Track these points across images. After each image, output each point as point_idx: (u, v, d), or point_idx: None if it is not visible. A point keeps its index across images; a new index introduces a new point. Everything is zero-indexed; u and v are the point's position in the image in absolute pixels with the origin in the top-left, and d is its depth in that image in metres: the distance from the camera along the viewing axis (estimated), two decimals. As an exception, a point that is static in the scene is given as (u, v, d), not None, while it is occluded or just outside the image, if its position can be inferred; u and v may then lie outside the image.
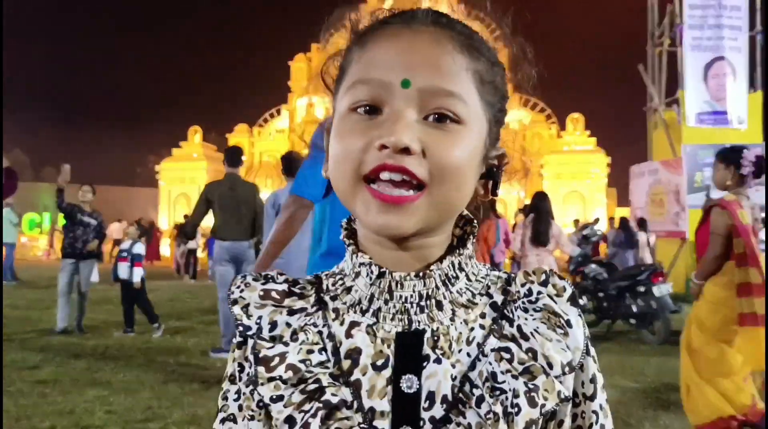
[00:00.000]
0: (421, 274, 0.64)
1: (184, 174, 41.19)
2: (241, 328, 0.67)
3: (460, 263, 0.66)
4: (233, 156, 6.77)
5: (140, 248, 7.94)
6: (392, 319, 0.64)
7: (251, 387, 0.64)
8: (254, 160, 44.48)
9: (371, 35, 0.66)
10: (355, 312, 0.66)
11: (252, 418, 0.66)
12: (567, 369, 0.63)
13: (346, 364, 0.63)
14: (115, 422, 4.16)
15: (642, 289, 7.79)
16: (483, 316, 0.66)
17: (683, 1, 14.23)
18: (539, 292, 0.66)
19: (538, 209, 6.80)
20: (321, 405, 0.61)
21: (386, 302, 0.64)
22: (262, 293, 0.68)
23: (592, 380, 0.68)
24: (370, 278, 0.64)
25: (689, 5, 14.04)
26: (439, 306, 0.64)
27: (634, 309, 7.88)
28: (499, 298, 0.68)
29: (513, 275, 0.70)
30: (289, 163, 5.19)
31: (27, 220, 29.18)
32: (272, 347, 0.64)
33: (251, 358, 0.65)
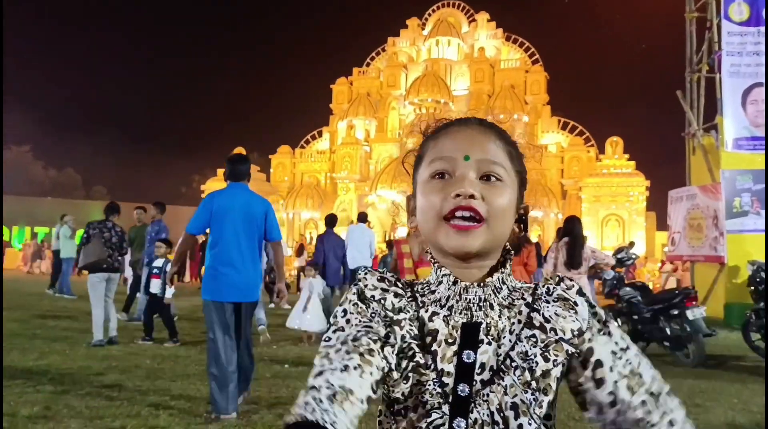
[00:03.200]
0: (481, 284, 0.98)
1: (227, 194, 41.91)
2: (357, 294, 0.98)
3: (503, 278, 1.00)
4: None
5: (159, 263, 8.59)
6: (460, 313, 0.96)
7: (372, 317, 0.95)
8: (296, 181, 45.24)
9: (441, 133, 1.03)
10: (436, 306, 0.98)
11: (371, 325, 0.92)
12: (577, 333, 0.96)
13: (428, 339, 0.95)
14: (178, 423, 4.55)
15: (675, 312, 7.93)
16: (519, 312, 0.98)
17: (721, 28, 14.35)
18: (554, 289, 1.00)
19: (572, 233, 7.04)
20: (412, 366, 0.93)
21: (457, 301, 0.97)
22: (378, 278, 1.01)
23: (623, 338, 0.99)
24: (449, 284, 0.98)
25: (727, 32, 14.15)
26: (491, 307, 0.97)
27: (668, 332, 8.02)
28: (529, 298, 1.00)
29: (537, 283, 1.04)
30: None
31: (78, 236, 30.08)
32: (397, 315, 0.96)
33: (381, 318, 0.95)
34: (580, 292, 1.00)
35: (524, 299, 1.00)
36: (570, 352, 0.95)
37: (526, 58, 49.47)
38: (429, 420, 0.91)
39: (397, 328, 0.94)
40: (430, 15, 52.19)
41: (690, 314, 7.76)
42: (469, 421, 0.92)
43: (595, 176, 37.67)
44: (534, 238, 36.93)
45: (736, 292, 12.97)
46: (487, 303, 0.97)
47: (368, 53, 52.33)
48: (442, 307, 0.98)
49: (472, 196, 0.94)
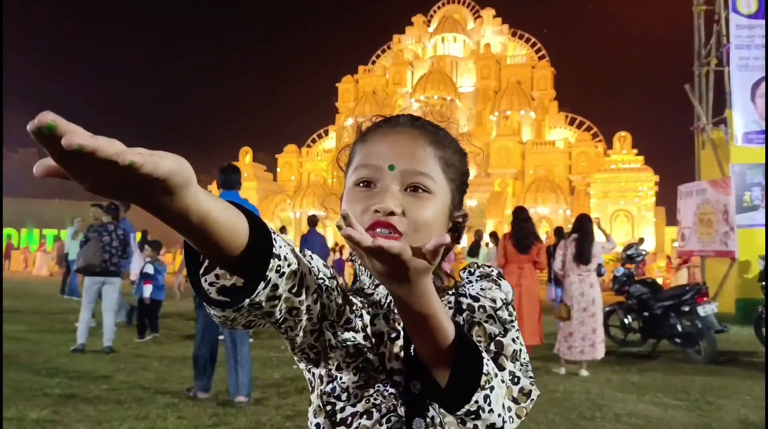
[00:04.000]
0: None
1: (235, 194, 42.05)
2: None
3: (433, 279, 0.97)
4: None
5: (149, 268, 8.76)
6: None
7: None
8: (302, 180, 45.30)
9: (369, 135, 0.97)
10: (375, 307, 0.96)
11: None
12: (502, 304, 0.96)
13: (374, 340, 0.92)
14: (186, 426, 4.53)
15: (686, 308, 7.87)
16: (449, 302, 0.98)
17: (729, 21, 14.24)
18: (474, 271, 1.01)
19: (582, 230, 6.99)
20: (363, 359, 0.91)
21: (392, 302, 0.94)
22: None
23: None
24: (385, 288, 0.94)
25: (736, 25, 14.04)
26: None
27: (679, 328, 7.96)
28: (455, 289, 1.01)
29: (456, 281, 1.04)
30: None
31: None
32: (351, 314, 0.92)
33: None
34: (499, 275, 1.01)
35: (452, 289, 1.01)
36: (494, 335, 0.94)
37: (533, 53, 49.36)
38: (386, 425, 0.89)
39: (358, 320, 0.90)
40: (435, 12, 52.15)
41: (701, 310, 7.70)
42: (427, 420, 0.90)
43: (604, 172, 37.57)
44: (542, 236, 36.78)
45: (747, 288, 12.89)
46: None
47: (374, 51, 52.38)
48: (381, 307, 0.96)
49: (392, 213, 0.87)
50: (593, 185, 37.70)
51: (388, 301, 0.96)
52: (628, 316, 8.67)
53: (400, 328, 0.93)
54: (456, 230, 0.99)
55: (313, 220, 10.73)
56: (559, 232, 10.16)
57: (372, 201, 0.89)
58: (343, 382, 0.92)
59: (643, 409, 5.42)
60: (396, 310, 0.91)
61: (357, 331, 0.89)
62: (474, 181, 43.90)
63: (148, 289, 8.31)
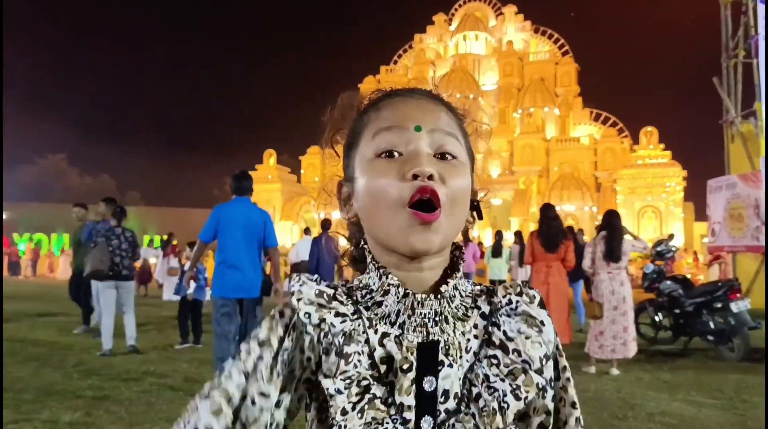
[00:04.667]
0: (438, 295, 0.82)
1: (260, 196, 42.32)
2: (287, 319, 0.82)
3: (456, 284, 0.84)
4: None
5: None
6: (414, 331, 0.80)
7: (306, 370, 0.81)
8: (326, 181, 45.37)
9: (382, 103, 0.87)
10: (385, 323, 0.81)
11: (274, 386, 0.79)
12: (544, 360, 0.81)
13: (382, 368, 0.79)
14: (216, 428, 4.55)
15: (719, 305, 7.73)
16: (475, 326, 0.83)
17: (757, 12, 13.97)
18: (517, 301, 0.84)
19: (611, 226, 6.89)
20: (367, 399, 0.78)
21: (409, 317, 0.81)
22: (317, 292, 0.82)
23: (565, 368, 0.89)
24: (398, 297, 0.81)
25: (764, 16, 13.76)
26: (446, 320, 0.82)
27: (712, 325, 7.82)
28: (486, 308, 0.85)
29: (492, 288, 0.88)
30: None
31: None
32: (348, 346, 0.79)
33: (324, 349, 0.79)
34: (543, 305, 0.86)
35: (478, 308, 0.86)
36: (541, 386, 0.81)
37: (556, 49, 48.95)
38: None
39: (342, 362, 0.78)
40: (456, 10, 51.96)
41: (734, 307, 7.55)
42: None
43: (630, 168, 37.08)
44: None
45: (780, 283, 12.63)
46: (443, 316, 0.82)
47: (395, 51, 52.32)
48: (392, 324, 0.81)
49: (430, 177, 0.78)
50: (620, 181, 37.23)
51: (401, 319, 0.81)
52: (659, 314, 8.53)
53: (413, 358, 0.79)
54: (474, 208, 0.90)
55: (325, 224, 11.00)
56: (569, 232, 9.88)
57: (404, 167, 0.79)
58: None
59: (676, 408, 5.33)
60: (410, 330, 0.81)
61: (358, 366, 0.78)
62: (498, 180, 43.80)
63: (193, 286, 8.30)
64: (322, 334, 0.80)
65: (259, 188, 42.61)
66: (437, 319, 0.81)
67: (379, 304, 0.82)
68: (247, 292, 5.80)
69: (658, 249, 9.00)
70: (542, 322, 0.84)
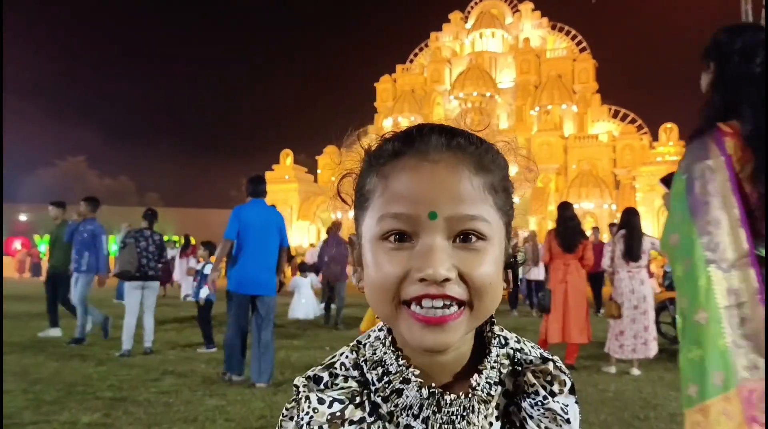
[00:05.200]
0: (468, 394, 0.73)
1: (277, 196, 42.51)
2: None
3: (492, 366, 0.76)
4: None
5: (208, 269, 8.26)
6: (439, 427, 0.72)
7: None
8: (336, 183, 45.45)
9: (390, 167, 0.71)
10: (407, 415, 0.73)
11: None
12: None
13: None
14: (234, 429, 4.56)
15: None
16: (497, 407, 0.76)
17: (779, 5, 13.75)
18: (545, 397, 0.75)
19: (629, 225, 6.80)
20: None
21: (434, 413, 0.72)
22: (329, 417, 0.72)
23: None
24: (421, 395, 0.72)
25: (786, 9, 13.55)
26: (473, 410, 0.73)
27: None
28: (509, 385, 0.77)
29: (520, 359, 0.79)
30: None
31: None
32: None
33: None
34: (572, 390, 0.78)
35: (502, 383, 0.77)
36: None
37: (573, 46, 48.64)
38: None
39: None
40: (472, 8, 51.83)
41: (757, 305, 7.42)
42: None
43: (650, 164, 36.74)
44: (588, 232, 36.15)
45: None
46: (470, 407, 0.73)
47: (411, 49, 52.34)
48: (415, 417, 0.72)
49: (446, 279, 0.66)
50: (639, 179, 36.93)
51: (425, 413, 0.73)
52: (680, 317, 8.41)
53: None
54: (509, 267, 0.77)
55: (335, 226, 11.35)
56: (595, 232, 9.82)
57: (413, 263, 0.67)
58: None
59: (700, 409, 5.24)
60: (436, 427, 0.73)
61: None
62: (514, 178, 42.92)
63: (205, 291, 8.25)
64: None
65: (276, 188, 42.83)
66: (465, 413, 0.73)
67: (399, 392, 0.73)
68: (264, 289, 6.15)
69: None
70: (567, 421, 0.76)
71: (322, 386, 0.75)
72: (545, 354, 0.81)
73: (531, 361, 0.79)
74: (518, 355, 0.79)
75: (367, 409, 0.72)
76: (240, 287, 6.09)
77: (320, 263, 11.44)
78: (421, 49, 52.01)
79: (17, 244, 36.97)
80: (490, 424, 0.74)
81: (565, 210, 7.20)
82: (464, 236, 0.68)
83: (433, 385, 0.72)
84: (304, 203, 42.84)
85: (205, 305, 8.28)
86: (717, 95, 2.24)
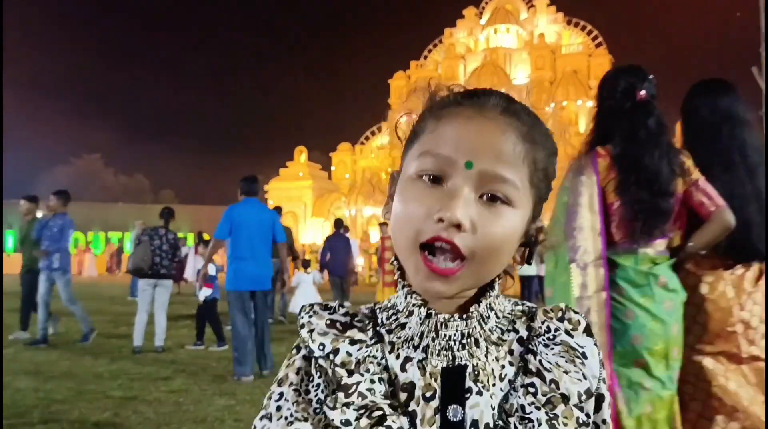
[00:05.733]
0: (464, 316, 0.74)
1: (291, 193, 42.60)
2: (304, 351, 0.78)
3: (491, 304, 0.76)
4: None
5: (211, 269, 8.05)
6: (438, 355, 0.73)
7: (317, 403, 0.75)
8: (357, 178, 45.43)
9: (446, 112, 0.74)
10: (408, 347, 0.74)
11: (305, 419, 0.74)
12: (584, 397, 0.73)
13: (402, 396, 0.72)
14: (243, 429, 4.52)
15: None
16: (511, 352, 0.75)
17: (799, -1, 13.53)
18: (557, 329, 0.76)
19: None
20: None
21: (433, 339, 0.73)
22: (328, 322, 0.77)
23: (609, 405, 0.78)
24: (420, 317, 0.74)
25: (806, 2, 13.33)
26: (477, 343, 0.74)
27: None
28: (524, 333, 0.77)
29: (534, 309, 0.79)
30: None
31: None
32: (350, 376, 0.73)
33: (329, 380, 0.74)
34: (589, 333, 0.77)
35: (516, 331, 0.77)
36: (582, 422, 0.72)
37: (589, 41, 48.27)
38: None
39: (348, 391, 0.72)
40: (487, 3, 51.59)
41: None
42: None
43: (665, 161, 36.34)
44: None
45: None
46: (472, 338, 0.74)
47: (425, 46, 52.18)
48: (415, 348, 0.74)
49: (458, 225, 0.68)
50: (655, 175, 36.57)
51: (425, 342, 0.74)
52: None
53: (436, 385, 0.72)
54: (528, 246, 0.79)
55: (338, 223, 11.78)
56: None
57: (436, 205, 0.69)
58: None
59: None
60: (434, 354, 0.73)
61: (370, 394, 0.72)
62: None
63: (204, 293, 8.08)
64: (333, 364, 0.74)
65: (290, 185, 42.89)
66: (465, 341, 0.74)
67: (403, 326, 0.76)
68: (260, 284, 6.45)
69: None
70: (584, 355, 0.75)
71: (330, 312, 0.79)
72: None
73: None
74: (533, 310, 0.80)
75: (370, 334, 0.76)
76: (237, 284, 6.35)
77: (323, 258, 11.53)
78: (435, 46, 51.82)
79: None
80: (502, 366, 0.74)
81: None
82: (491, 196, 0.71)
83: (431, 309, 0.74)
84: (318, 200, 42.87)
85: (209, 303, 8.22)
86: (599, 124, 2.73)
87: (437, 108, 0.76)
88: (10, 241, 39.77)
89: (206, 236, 16.40)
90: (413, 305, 0.75)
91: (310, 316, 0.78)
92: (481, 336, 0.74)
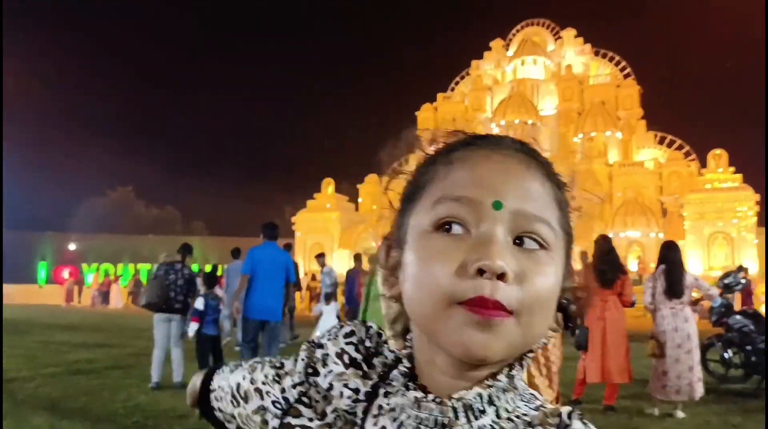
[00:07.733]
0: (438, 400, 0.62)
1: (318, 224, 42.68)
2: (307, 366, 0.73)
3: (490, 396, 0.62)
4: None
5: (199, 303, 7.83)
6: None
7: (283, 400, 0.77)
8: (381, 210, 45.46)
9: (457, 155, 0.64)
10: (389, 419, 0.65)
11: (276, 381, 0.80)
12: None
13: None
14: (253, 472, 4.42)
15: (795, 341, 7.21)
16: None
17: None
18: None
19: (669, 260, 6.51)
20: None
21: (407, 417, 0.64)
22: (338, 351, 0.71)
23: None
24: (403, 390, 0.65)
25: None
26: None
27: (787, 364, 7.29)
28: None
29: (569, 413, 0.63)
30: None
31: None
32: (327, 404, 0.70)
33: (309, 395, 0.72)
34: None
35: None
36: None
37: (617, 72, 48.04)
38: None
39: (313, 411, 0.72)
40: (514, 35, 51.77)
41: (812, 344, 7.02)
42: None
43: (698, 192, 35.75)
44: (633, 262, 35.38)
45: None
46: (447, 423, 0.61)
47: (452, 78, 52.36)
48: (393, 420, 0.64)
49: (502, 276, 0.57)
50: (687, 207, 35.91)
51: (401, 415, 0.64)
52: (729, 350, 8.00)
53: None
54: (561, 310, 0.66)
55: (357, 257, 12.75)
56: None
57: (470, 256, 0.58)
58: None
59: (749, 458, 4.91)
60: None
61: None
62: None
63: (192, 328, 7.75)
64: (317, 388, 0.71)
65: (317, 217, 42.99)
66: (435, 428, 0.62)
67: (396, 393, 0.67)
68: (272, 315, 7.48)
69: (726, 281, 8.50)
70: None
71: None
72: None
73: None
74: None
75: (369, 387, 0.68)
76: (252, 313, 7.37)
77: (345, 293, 12.08)
78: (462, 78, 52.01)
79: (65, 273, 37.80)
80: None
81: (602, 243, 6.92)
82: (527, 239, 0.60)
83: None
84: (345, 232, 42.90)
85: (210, 339, 7.87)
86: None
87: (443, 153, 0.66)
88: (42, 273, 40.78)
89: (207, 268, 16.37)
90: (413, 388, 0.64)
91: (329, 339, 0.73)
92: None
